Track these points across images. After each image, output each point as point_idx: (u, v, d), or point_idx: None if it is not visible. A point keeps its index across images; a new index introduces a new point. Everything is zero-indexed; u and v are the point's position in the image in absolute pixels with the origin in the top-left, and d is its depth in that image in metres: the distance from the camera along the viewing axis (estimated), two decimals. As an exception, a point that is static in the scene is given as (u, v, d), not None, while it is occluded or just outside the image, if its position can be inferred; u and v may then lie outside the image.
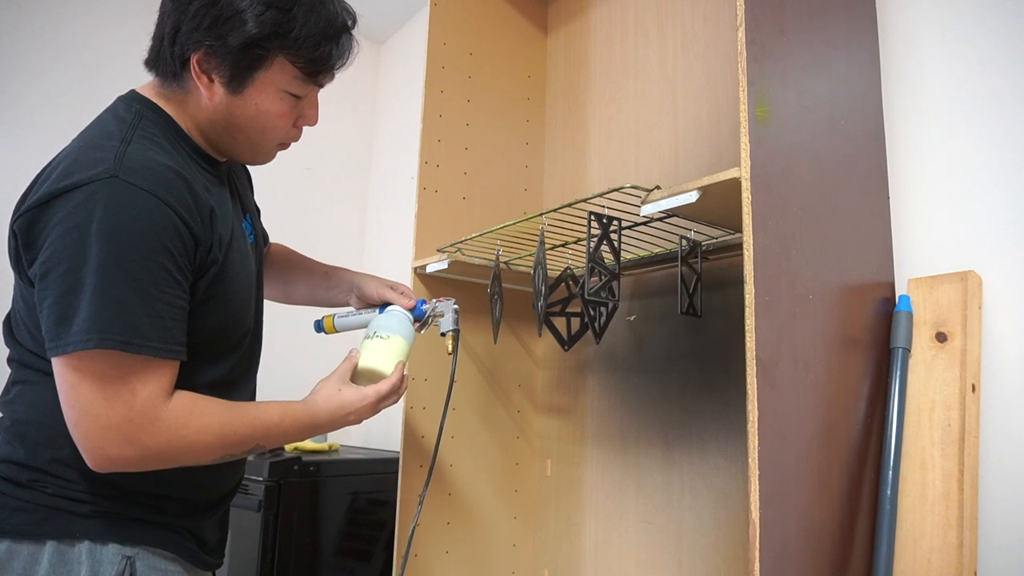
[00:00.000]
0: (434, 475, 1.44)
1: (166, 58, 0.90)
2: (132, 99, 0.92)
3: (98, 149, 0.82)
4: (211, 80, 0.89)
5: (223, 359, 0.95)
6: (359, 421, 1.00)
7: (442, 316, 1.21)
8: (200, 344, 0.88)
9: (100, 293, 0.77)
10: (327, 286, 1.25)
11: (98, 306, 0.77)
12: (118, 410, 0.78)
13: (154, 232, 0.80)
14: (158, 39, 0.91)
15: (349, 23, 0.96)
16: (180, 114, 0.92)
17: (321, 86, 0.97)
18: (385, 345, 1.07)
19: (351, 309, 1.25)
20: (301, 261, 1.29)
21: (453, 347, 1.19)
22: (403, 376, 1.05)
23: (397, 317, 1.13)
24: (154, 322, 0.80)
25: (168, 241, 0.81)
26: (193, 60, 0.88)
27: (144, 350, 0.79)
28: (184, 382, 0.86)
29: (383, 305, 1.20)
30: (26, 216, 0.80)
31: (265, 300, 1.12)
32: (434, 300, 1.22)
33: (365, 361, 1.04)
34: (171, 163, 0.85)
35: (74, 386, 0.78)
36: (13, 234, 0.82)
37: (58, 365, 0.79)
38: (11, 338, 0.90)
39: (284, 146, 1.01)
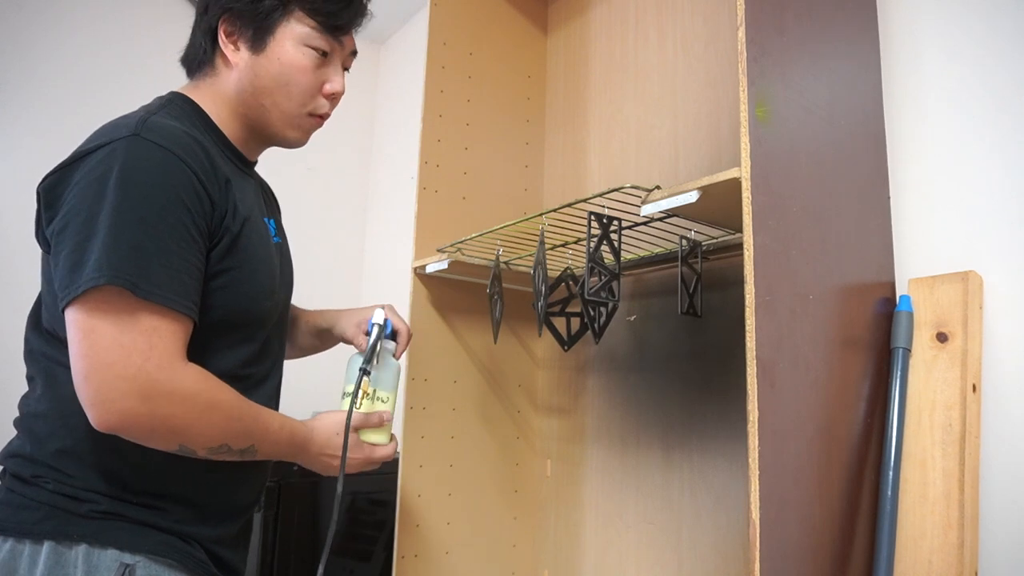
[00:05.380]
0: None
1: (197, 42, 0.96)
2: (164, 94, 0.97)
3: (123, 118, 0.86)
4: (237, 47, 0.94)
5: (231, 352, 0.91)
6: (334, 470, 0.98)
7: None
8: (208, 327, 0.86)
9: (114, 237, 0.76)
10: (321, 340, 1.22)
11: (111, 247, 0.76)
12: (134, 360, 0.76)
13: (172, 186, 0.81)
14: (192, 33, 0.98)
15: None
16: (211, 103, 0.96)
17: (340, 43, 0.99)
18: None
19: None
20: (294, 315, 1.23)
21: (350, 403, 0.99)
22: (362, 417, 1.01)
23: (349, 368, 1.06)
24: (168, 273, 0.79)
25: (186, 197, 0.82)
26: (221, 31, 0.94)
27: (154, 297, 0.77)
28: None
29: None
30: (50, 178, 0.83)
31: None
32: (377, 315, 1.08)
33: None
34: (192, 133, 0.88)
35: (88, 333, 0.76)
36: (38, 198, 0.84)
37: (71, 314, 0.77)
38: (37, 328, 0.89)
39: (317, 120, 1.00)
